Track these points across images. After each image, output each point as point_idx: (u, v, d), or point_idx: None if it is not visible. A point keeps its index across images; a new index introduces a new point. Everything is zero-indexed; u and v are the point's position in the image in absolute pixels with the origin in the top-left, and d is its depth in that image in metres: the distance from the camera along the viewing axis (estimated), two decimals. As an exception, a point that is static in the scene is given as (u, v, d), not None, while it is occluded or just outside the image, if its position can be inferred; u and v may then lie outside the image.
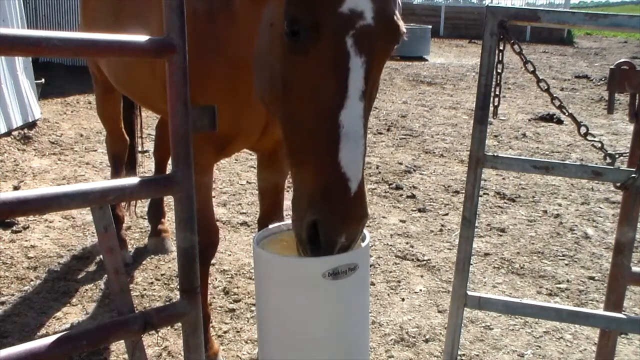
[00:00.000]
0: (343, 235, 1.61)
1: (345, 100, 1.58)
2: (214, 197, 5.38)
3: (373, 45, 1.63)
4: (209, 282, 3.83)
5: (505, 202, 5.55)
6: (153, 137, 5.20)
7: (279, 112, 1.75)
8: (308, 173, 1.63)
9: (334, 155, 1.57)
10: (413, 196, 5.60)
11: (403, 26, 1.71)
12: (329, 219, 1.58)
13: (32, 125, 7.09)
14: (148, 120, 7.62)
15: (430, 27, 18.50)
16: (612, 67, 2.19)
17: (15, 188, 5.31)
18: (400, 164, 6.63)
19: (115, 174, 4.32)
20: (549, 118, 8.99)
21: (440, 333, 3.33)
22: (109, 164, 4.70)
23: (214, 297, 3.67)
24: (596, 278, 4.10)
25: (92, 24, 3.46)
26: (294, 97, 1.67)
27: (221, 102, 1.98)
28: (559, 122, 8.85)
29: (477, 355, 3.19)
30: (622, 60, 2.21)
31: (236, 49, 2.18)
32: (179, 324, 2.10)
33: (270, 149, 2.80)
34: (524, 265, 4.27)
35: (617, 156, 2.21)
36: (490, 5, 2.32)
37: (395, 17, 1.68)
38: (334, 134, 1.58)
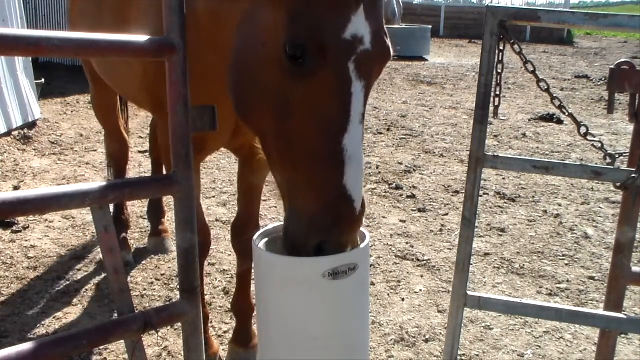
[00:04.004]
0: (348, 248, 1.69)
1: (348, 125, 1.61)
2: (214, 197, 5.38)
3: (371, 69, 1.66)
4: (209, 282, 3.83)
5: (505, 202, 5.55)
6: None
7: (268, 132, 1.74)
8: (312, 195, 1.63)
9: (340, 178, 1.60)
10: (413, 196, 5.60)
11: (392, 49, 1.75)
12: (338, 240, 1.64)
13: (32, 125, 7.09)
14: (148, 120, 7.64)
15: (430, 27, 18.49)
16: (612, 67, 2.19)
17: (15, 188, 5.31)
18: (400, 164, 6.63)
19: (117, 176, 4.28)
20: (549, 118, 8.99)
21: (440, 333, 3.33)
22: (109, 164, 4.70)
23: (214, 297, 3.68)
24: (596, 278, 4.10)
25: (77, 22, 3.46)
26: (291, 119, 1.65)
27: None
28: (559, 122, 8.85)
29: (477, 355, 3.19)
30: (622, 60, 2.21)
31: (201, 51, 2.14)
32: (179, 324, 2.10)
33: (248, 153, 2.81)
34: (524, 265, 4.27)
35: (617, 156, 2.22)
36: (490, 5, 2.33)
37: (387, 40, 1.71)
38: (338, 157, 1.60)
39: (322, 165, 1.61)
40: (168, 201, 4.70)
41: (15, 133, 6.69)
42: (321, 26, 1.56)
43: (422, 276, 4.05)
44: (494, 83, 2.14)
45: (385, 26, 1.72)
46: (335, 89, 1.60)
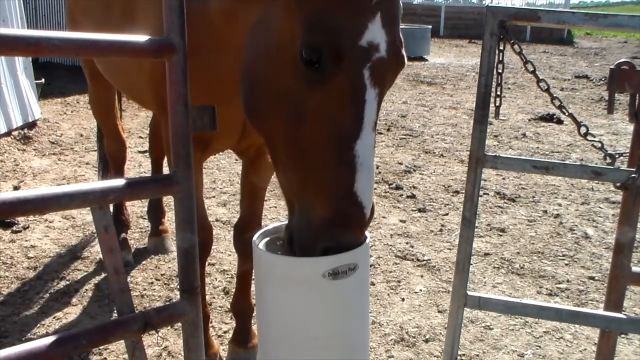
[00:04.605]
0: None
1: (361, 131, 1.61)
2: (214, 197, 5.38)
3: (385, 76, 1.67)
4: (209, 282, 3.83)
5: (505, 202, 5.55)
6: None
7: (278, 136, 1.74)
8: (320, 200, 1.64)
9: (351, 185, 1.60)
10: (413, 196, 5.60)
11: (406, 57, 1.77)
12: (345, 244, 1.64)
13: (32, 125, 7.09)
14: (148, 120, 7.64)
15: (430, 27, 18.50)
16: (612, 67, 2.19)
17: (15, 188, 5.31)
18: (400, 164, 6.63)
19: (116, 176, 4.27)
20: (549, 118, 9.00)
21: (440, 333, 3.33)
22: (99, 164, 4.70)
23: (214, 297, 3.68)
24: (596, 278, 4.10)
25: (81, 22, 3.45)
26: (303, 124, 1.66)
27: (199, 102, 1.96)
28: (559, 122, 8.85)
29: (477, 355, 3.19)
30: (622, 60, 2.21)
31: (214, 51, 2.15)
32: (179, 324, 2.10)
33: (253, 156, 2.82)
34: (524, 265, 4.27)
35: (617, 156, 2.21)
36: (490, 5, 2.33)
37: (402, 48, 1.72)
38: (350, 164, 1.60)
39: (333, 171, 1.62)
40: (168, 201, 4.70)
41: (15, 133, 6.69)
42: (338, 32, 1.57)
43: (422, 276, 4.05)
44: (494, 83, 2.14)
45: (400, 35, 1.72)
46: (350, 95, 1.60)
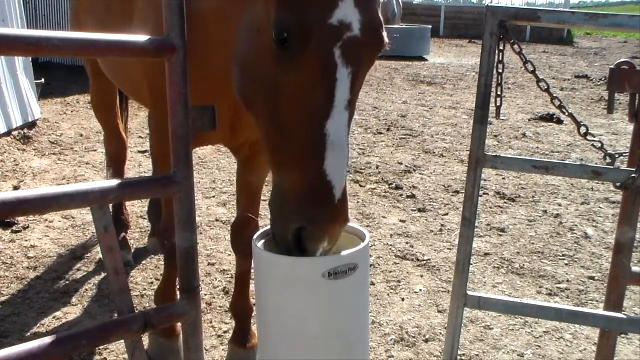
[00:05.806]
0: (325, 241, 1.65)
1: (332, 110, 1.61)
2: (214, 197, 5.38)
3: (359, 56, 1.66)
4: (209, 282, 3.83)
5: (505, 202, 5.55)
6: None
7: (263, 117, 1.76)
8: (293, 179, 1.65)
9: (320, 163, 1.60)
10: (413, 196, 5.60)
11: (387, 37, 1.74)
12: (315, 226, 1.62)
13: (32, 125, 7.09)
14: (147, 120, 7.63)
15: (430, 27, 18.49)
16: (612, 67, 2.19)
17: (15, 188, 5.31)
18: (400, 164, 6.63)
19: (115, 175, 4.27)
20: (549, 118, 9.00)
21: (440, 333, 3.33)
22: (108, 165, 4.69)
23: (214, 297, 3.68)
24: (596, 278, 4.10)
25: (84, 22, 3.46)
26: (280, 104, 1.67)
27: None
28: (559, 122, 8.85)
29: (477, 355, 3.19)
30: (622, 60, 2.21)
31: (204, 48, 2.16)
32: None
33: (248, 154, 2.81)
34: (524, 265, 4.27)
35: (617, 156, 2.21)
36: (490, 5, 2.32)
37: (380, 29, 1.70)
38: (320, 142, 1.60)
39: (304, 150, 1.62)
40: (168, 201, 4.70)
41: (15, 133, 6.69)
42: (307, 11, 1.58)
43: (422, 276, 4.05)
44: (494, 83, 2.14)
45: (379, 14, 1.71)
46: (318, 74, 1.60)
